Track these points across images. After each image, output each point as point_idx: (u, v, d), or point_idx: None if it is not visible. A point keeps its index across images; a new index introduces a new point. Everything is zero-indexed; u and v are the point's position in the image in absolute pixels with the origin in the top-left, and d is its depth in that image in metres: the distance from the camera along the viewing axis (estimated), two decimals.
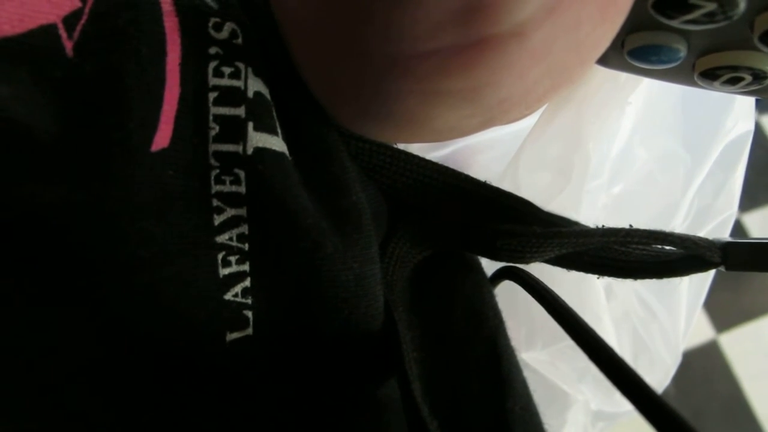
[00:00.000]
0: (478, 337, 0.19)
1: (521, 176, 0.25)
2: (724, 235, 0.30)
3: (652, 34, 0.15)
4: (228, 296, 0.14)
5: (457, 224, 0.19)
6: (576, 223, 0.19)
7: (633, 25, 0.15)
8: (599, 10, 0.12)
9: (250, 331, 0.14)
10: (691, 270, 0.19)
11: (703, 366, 1.26)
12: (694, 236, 0.18)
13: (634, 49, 0.15)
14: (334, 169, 0.15)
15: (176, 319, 0.13)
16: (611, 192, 0.31)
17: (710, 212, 0.29)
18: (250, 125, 0.14)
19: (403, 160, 0.18)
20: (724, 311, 1.31)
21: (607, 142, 0.28)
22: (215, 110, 0.13)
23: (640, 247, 0.19)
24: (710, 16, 0.13)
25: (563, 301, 0.17)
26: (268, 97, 0.14)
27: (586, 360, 0.32)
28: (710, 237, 0.20)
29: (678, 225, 0.29)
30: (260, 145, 0.14)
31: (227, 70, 0.13)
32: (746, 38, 0.14)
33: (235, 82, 0.14)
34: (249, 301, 0.14)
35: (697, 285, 0.32)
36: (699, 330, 1.28)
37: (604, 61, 0.17)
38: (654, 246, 0.19)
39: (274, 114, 0.14)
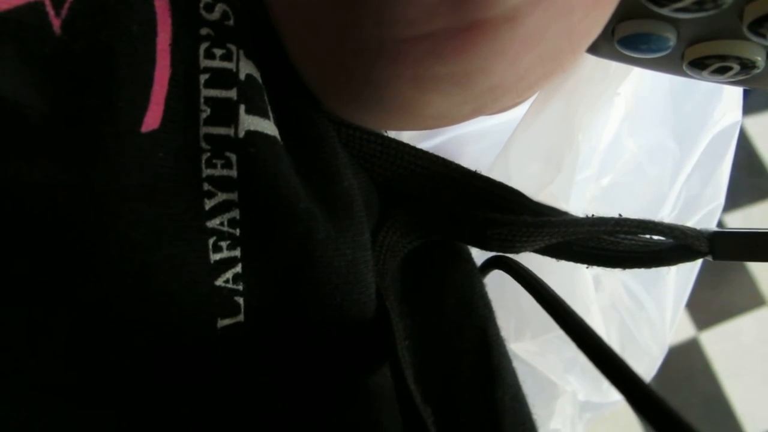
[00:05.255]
0: (468, 327, 0.19)
1: (511, 166, 0.25)
2: (711, 225, 0.30)
3: (643, 23, 0.15)
4: (219, 282, 0.13)
5: (447, 213, 0.19)
6: (566, 213, 0.20)
7: (623, 13, 0.15)
8: None
9: (241, 317, 0.14)
10: (678, 259, 0.19)
11: (684, 363, 1.27)
12: (683, 226, 0.19)
13: (624, 37, 0.15)
14: (326, 155, 0.15)
15: (167, 305, 0.13)
16: (600, 183, 0.31)
17: (698, 203, 0.29)
18: (242, 108, 0.13)
19: (394, 149, 0.18)
20: (704, 309, 1.32)
21: (597, 133, 0.28)
22: (206, 92, 0.13)
23: (629, 236, 0.19)
24: (700, 5, 0.13)
25: (552, 291, 0.17)
26: (260, 80, 0.14)
27: (574, 351, 0.33)
28: (698, 227, 0.20)
29: (666, 215, 0.29)
30: (252, 128, 0.13)
31: (219, 51, 0.13)
32: (735, 27, 0.14)
33: (226, 64, 0.13)
34: (240, 287, 0.14)
35: (684, 276, 0.32)
36: (680, 328, 1.29)
37: (594, 49, 0.17)
38: (642, 235, 0.19)
39: (266, 97, 0.14)
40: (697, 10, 0.13)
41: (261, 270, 0.14)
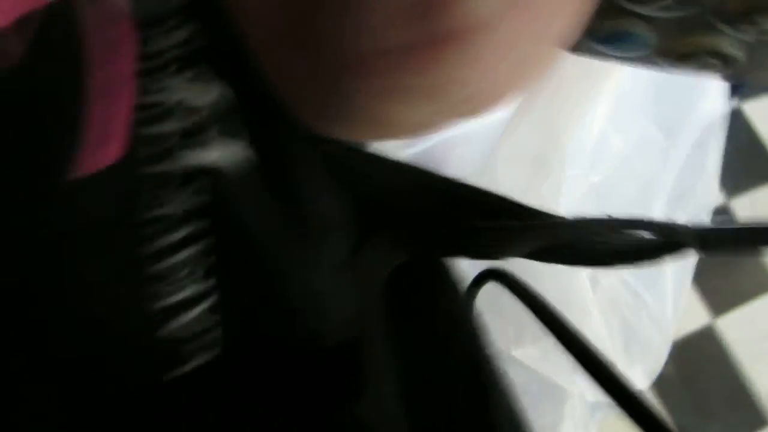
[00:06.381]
0: (457, 345, 0.19)
1: (499, 170, 0.25)
2: (705, 217, 0.30)
3: (623, 21, 0.15)
4: (186, 318, 0.13)
5: (433, 225, 0.19)
6: (553, 216, 0.19)
7: (602, 11, 0.15)
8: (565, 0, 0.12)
9: (214, 351, 0.14)
10: (668, 256, 0.19)
11: (702, 352, 1.26)
12: (671, 222, 0.18)
13: (604, 36, 0.15)
14: (299, 176, 0.15)
15: (130, 346, 0.12)
16: (590, 180, 0.31)
17: (690, 195, 0.29)
18: (205, 136, 0.13)
19: (375, 162, 0.17)
20: (718, 295, 1.31)
21: (584, 130, 0.28)
22: (162, 126, 0.13)
23: (618, 235, 0.19)
24: (680, 2, 0.13)
25: (548, 302, 0.16)
26: (227, 103, 0.14)
27: None
28: (691, 219, 0.20)
29: (659, 209, 0.29)
30: (214, 157, 0.13)
31: (182, 77, 0.13)
32: (715, 23, 0.14)
33: (186, 93, 0.13)
34: (211, 321, 0.13)
35: (682, 267, 0.32)
36: (695, 316, 1.28)
37: (574, 48, 0.17)
38: (631, 234, 0.19)
39: (233, 121, 0.14)
40: (677, 8, 0.13)
41: (232, 302, 0.14)
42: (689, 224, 0.18)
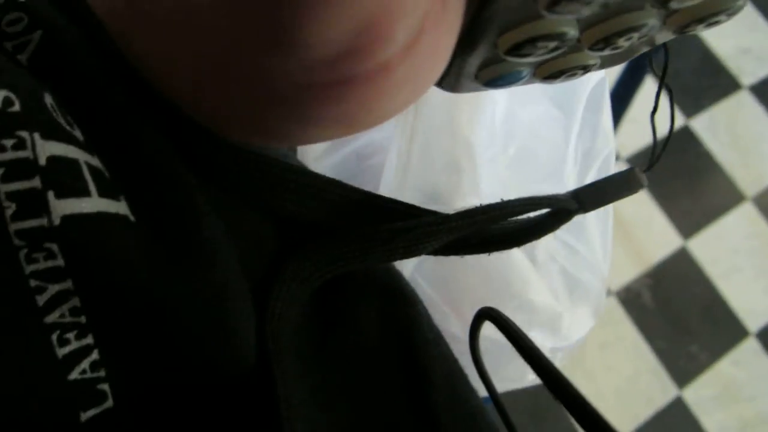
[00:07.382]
0: (394, 340, 0.20)
1: (413, 178, 0.27)
2: (610, 169, 0.32)
3: (506, 66, 0.16)
4: (74, 375, 0.13)
5: (351, 236, 0.19)
6: (453, 215, 0.20)
7: (485, 61, 0.16)
8: (446, 35, 0.14)
9: (110, 403, 0.14)
10: (558, 223, 0.21)
11: (677, 273, 1.28)
12: (555, 194, 0.20)
13: (490, 79, 0.17)
14: (178, 204, 0.15)
15: (15, 410, 0.12)
16: (508, 153, 0.33)
17: (593, 154, 0.32)
18: (51, 194, 0.13)
19: (292, 178, 0.18)
20: (687, 217, 1.33)
21: (490, 113, 0.30)
22: (6, 187, 0.12)
23: (515, 216, 0.20)
24: (553, 50, 0.15)
25: (532, 343, 0.18)
26: (75, 155, 0.14)
27: (528, 313, 0.35)
28: (599, 175, 0.22)
29: (570, 171, 0.32)
30: (68, 212, 0.13)
31: (8, 142, 0.13)
32: (582, 49, 0.16)
33: (21, 154, 0.13)
34: (102, 373, 0.13)
35: (603, 216, 0.35)
36: (667, 240, 1.29)
37: (459, 89, 0.18)
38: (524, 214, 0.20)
39: (85, 171, 0.14)
40: (554, 50, 0.15)
41: (120, 351, 0.14)
42: (565, 192, 0.20)
